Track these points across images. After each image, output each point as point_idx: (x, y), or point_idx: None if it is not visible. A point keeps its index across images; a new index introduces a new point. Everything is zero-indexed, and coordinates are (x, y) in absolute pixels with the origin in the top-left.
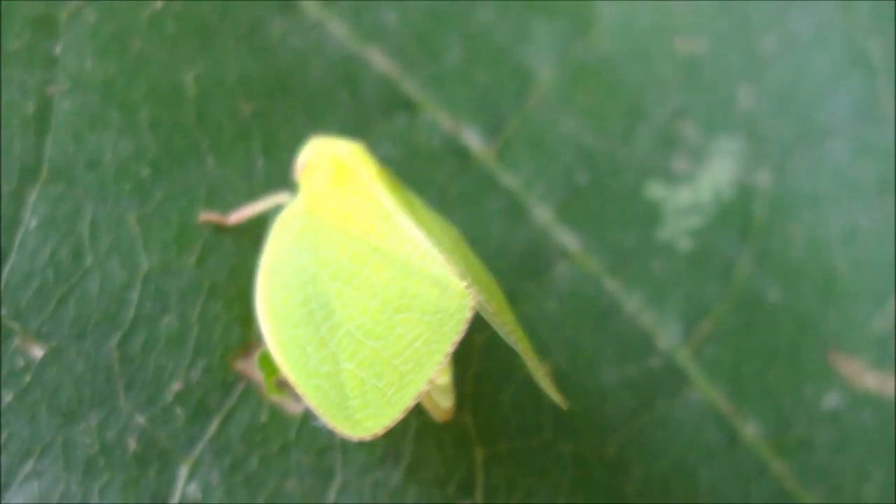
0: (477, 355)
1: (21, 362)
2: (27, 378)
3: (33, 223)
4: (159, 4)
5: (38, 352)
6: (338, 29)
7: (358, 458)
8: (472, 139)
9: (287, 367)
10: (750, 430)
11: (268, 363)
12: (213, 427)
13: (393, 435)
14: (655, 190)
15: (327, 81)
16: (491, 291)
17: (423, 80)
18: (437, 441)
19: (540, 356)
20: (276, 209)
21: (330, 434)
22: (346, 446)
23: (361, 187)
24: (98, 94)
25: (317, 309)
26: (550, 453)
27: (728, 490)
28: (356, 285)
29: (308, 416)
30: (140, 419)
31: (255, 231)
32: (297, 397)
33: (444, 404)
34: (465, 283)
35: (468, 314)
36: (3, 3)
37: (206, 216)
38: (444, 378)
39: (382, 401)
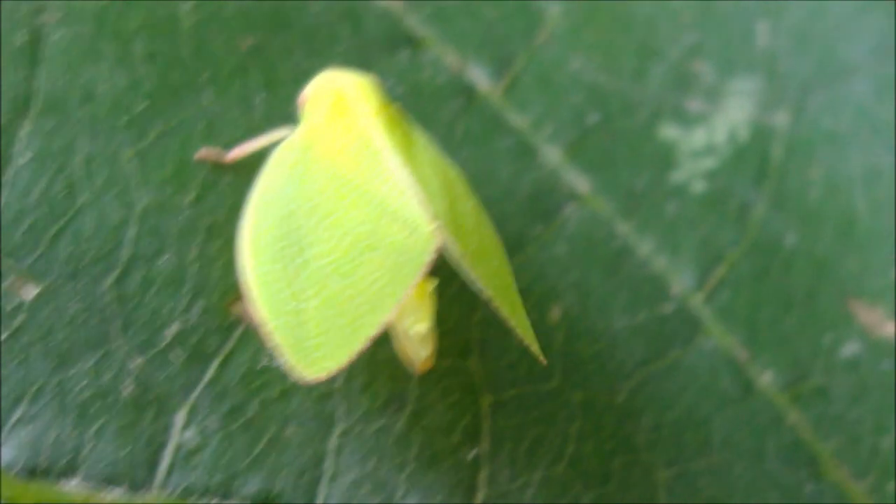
0: (482, 301)
1: (13, 302)
2: (20, 318)
3: (26, 157)
4: None
5: (30, 291)
6: None
7: (361, 405)
8: (479, 77)
9: (257, 302)
10: (765, 379)
11: None
12: (211, 371)
13: (397, 381)
14: (669, 130)
15: (328, 15)
16: (476, 240)
17: (427, 14)
18: (442, 387)
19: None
20: (275, 145)
21: (332, 379)
22: (348, 392)
23: (357, 122)
24: (91, 24)
25: (293, 243)
26: (559, 400)
27: (742, 440)
28: (331, 222)
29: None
30: (136, 362)
31: (255, 168)
32: (264, 335)
33: (421, 353)
34: (432, 226)
35: (429, 256)
36: None
37: (204, 153)
38: (422, 325)
39: (339, 341)
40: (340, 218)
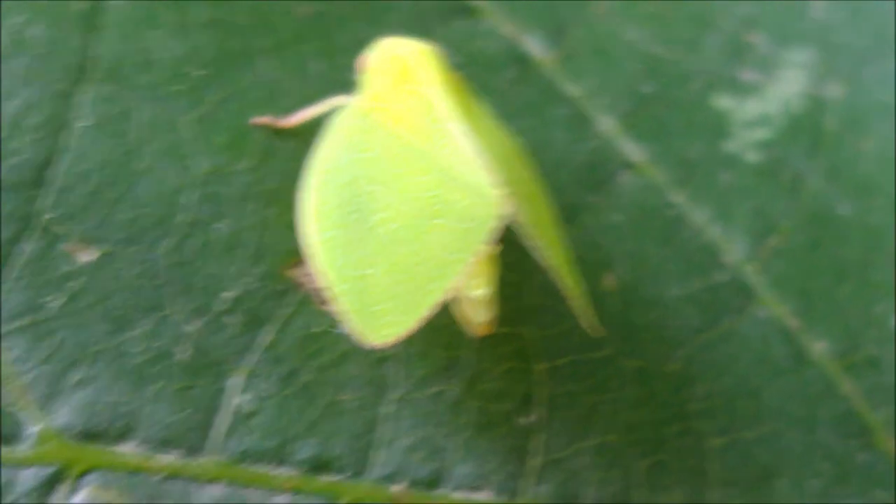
0: (539, 268)
1: (70, 267)
2: (76, 283)
3: (83, 124)
4: None
5: (87, 256)
6: None
7: (416, 371)
8: (534, 47)
9: (320, 269)
10: (818, 349)
11: None
12: (267, 336)
13: (453, 347)
14: (723, 101)
15: None
16: (536, 208)
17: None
18: (497, 354)
19: (586, 275)
20: (333, 113)
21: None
22: (403, 358)
23: (419, 90)
24: None
25: (354, 211)
26: (612, 368)
27: (794, 408)
28: (396, 189)
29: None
30: (191, 327)
31: (312, 136)
32: (327, 301)
33: (482, 317)
34: (499, 192)
35: (496, 222)
36: None
37: (260, 119)
38: (484, 290)
39: (403, 308)
40: (405, 185)
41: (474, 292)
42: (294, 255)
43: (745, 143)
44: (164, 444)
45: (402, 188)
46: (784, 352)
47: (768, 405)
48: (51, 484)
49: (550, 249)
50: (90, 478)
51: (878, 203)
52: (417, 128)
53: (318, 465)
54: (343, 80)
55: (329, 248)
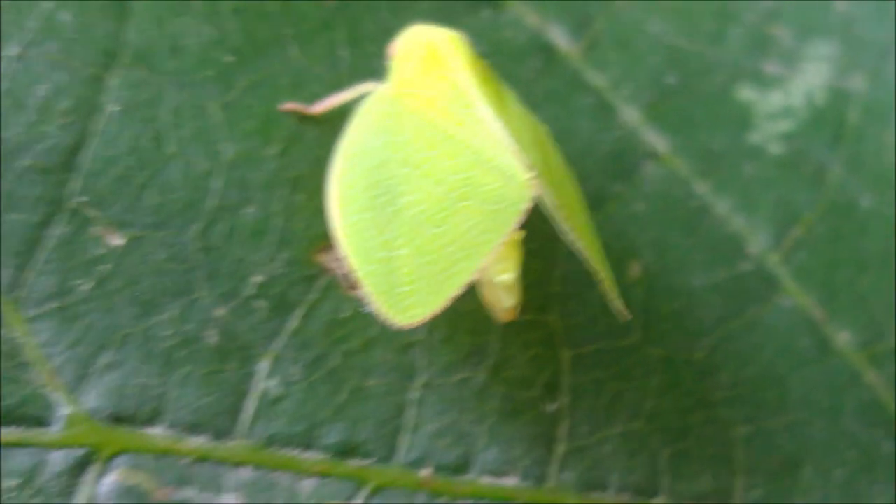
0: (564, 255)
1: (100, 251)
2: (106, 267)
3: (114, 108)
4: None
5: (117, 240)
6: None
7: (442, 357)
8: (558, 37)
9: (348, 250)
10: (842, 339)
11: None
12: (294, 321)
13: (479, 333)
14: (746, 92)
15: None
16: (565, 192)
17: None
18: (523, 341)
19: (612, 263)
20: (361, 99)
21: (413, 330)
22: (429, 344)
23: (449, 75)
24: None
25: (383, 193)
26: (638, 356)
27: (819, 398)
28: (424, 171)
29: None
30: (220, 311)
31: (341, 122)
32: (354, 282)
33: (506, 303)
34: (529, 175)
35: (526, 204)
36: None
37: (290, 105)
38: (509, 275)
39: (431, 288)
40: (433, 168)
41: (500, 277)
42: (322, 239)
43: (769, 135)
44: (193, 427)
45: (431, 171)
46: (808, 342)
47: (793, 394)
48: (81, 466)
49: (580, 234)
50: (120, 460)
51: None
52: (447, 112)
53: (346, 450)
54: (370, 68)
55: (357, 230)
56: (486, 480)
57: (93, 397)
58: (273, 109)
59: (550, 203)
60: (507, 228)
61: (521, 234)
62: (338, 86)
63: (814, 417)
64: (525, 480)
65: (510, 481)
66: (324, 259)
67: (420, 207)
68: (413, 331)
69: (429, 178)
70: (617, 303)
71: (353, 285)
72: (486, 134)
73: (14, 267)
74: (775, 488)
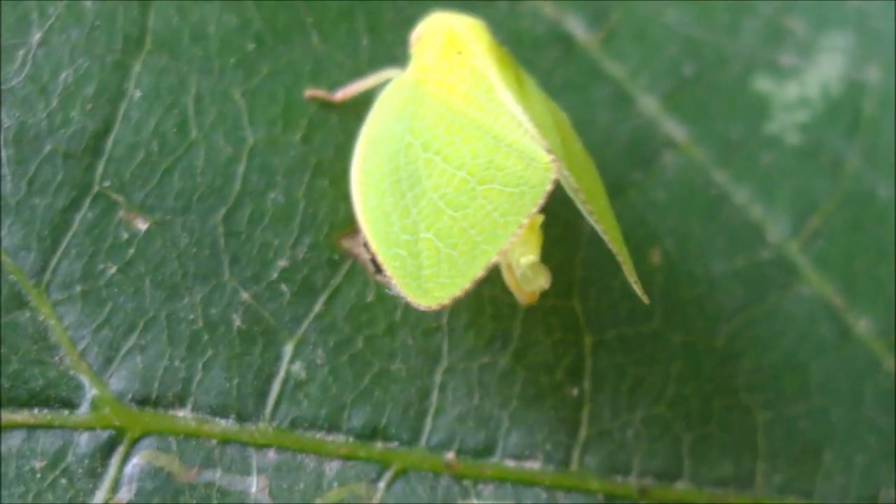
0: (586, 241)
1: (125, 235)
2: (131, 251)
3: (138, 94)
4: None
5: (142, 225)
6: None
7: (465, 341)
8: (576, 27)
9: (370, 234)
10: (862, 326)
11: None
12: (318, 305)
13: (501, 318)
14: (763, 83)
15: None
16: (586, 177)
17: None
18: (545, 326)
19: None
20: (383, 86)
21: (436, 315)
22: (452, 328)
23: (469, 61)
24: None
25: (405, 178)
26: (659, 342)
27: (840, 384)
28: (446, 155)
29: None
30: (245, 295)
31: (362, 108)
32: (377, 265)
33: (528, 285)
34: (550, 157)
35: (548, 187)
36: None
37: (312, 92)
38: (531, 257)
39: (454, 271)
40: (455, 152)
41: (522, 259)
42: (346, 224)
43: (785, 125)
44: (218, 411)
45: (452, 155)
46: (829, 328)
47: (814, 380)
48: (107, 448)
49: (600, 217)
50: (146, 442)
51: None
52: (469, 97)
53: (370, 433)
54: (391, 56)
55: (379, 215)
56: (510, 464)
57: (119, 380)
58: (295, 96)
59: (571, 187)
60: (529, 211)
61: (541, 218)
62: (358, 73)
63: (834, 404)
64: (548, 464)
65: (533, 465)
66: (348, 244)
67: (441, 191)
68: (436, 315)
69: (451, 162)
70: (638, 286)
71: (377, 269)
72: (507, 118)
73: (40, 251)
74: (796, 473)
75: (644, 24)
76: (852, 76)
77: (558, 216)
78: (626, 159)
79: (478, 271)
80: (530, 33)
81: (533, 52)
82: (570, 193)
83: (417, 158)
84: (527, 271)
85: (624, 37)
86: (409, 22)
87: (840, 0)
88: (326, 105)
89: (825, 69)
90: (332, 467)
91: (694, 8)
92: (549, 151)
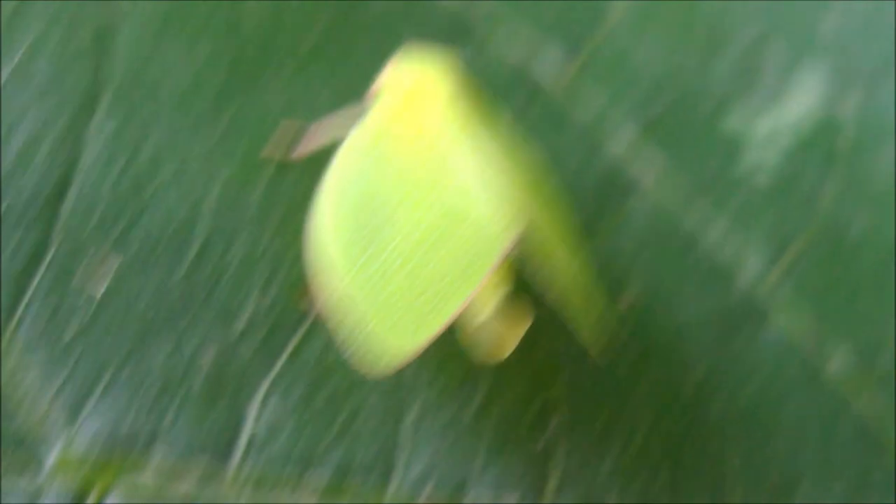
0: (550, 286)
1: (84, 297)
2: (89, 313)
3: (92, 154)
4: None
5: (101, 285)
6: None
7: (431, 392)
8: (543, 70)
9: (326, 296)
10: (833, 366)
11: None
12: (280, 362)
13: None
14: (736, 118)
15: (391, 13)
16: (551, 225)
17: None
18: (511, 375)
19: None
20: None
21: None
22: (415, 383)
23: (433, 106)
24: (157, 23)
25: (367, 227)
26: (628, 387)
27: (810, 427)
28: (410, 205)
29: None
30: (207, 354)
31: (323, 164)
32: (336, 328)
33: (492, 343)
34: (502, 225)
35: (506, 243)
36: None
37: (270, 151)
38: (486, 318)
39: (414, 324)
40: (420, 201)
41: (479, 319)
42: (305, 282)
43: (759, 161)
44: (186, 464)
45: (416, 204)
46: (799, 369)
47: (784, 424)
48: None
49: (561, 267)
50: (113, 496)
51: (894, 219)
52: (423, 156)
53: (340, 483)
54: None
55: (335, 275)
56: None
57: (84, 436)
58: (252, 154)
59: (531, 237)
60: (492, 262)
61: (506, 271)
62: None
63: (805, 446)
64: None
65: None
66: (306, 302)
67: (405, 242)
68: (399, 371)
69: (414, 212)
70: (591, 339)
71: (335, 328)
72: (462, 183)
73: None
74: None
75: (615, 61)
76: (828, 109)
77: (523, 262)
78: (593, 203)
79: (427, 337)
80: (493, 81)
81: (501, 93)
82: (530, 245)
83: (381, 208)
84: (484, 331)
85: (593, 76)
86: (369, 70)
87: (815, 32)
88: (284, 164)
89: (801, 101)
90: None
91: (667, 42)
92: (509, 203)
